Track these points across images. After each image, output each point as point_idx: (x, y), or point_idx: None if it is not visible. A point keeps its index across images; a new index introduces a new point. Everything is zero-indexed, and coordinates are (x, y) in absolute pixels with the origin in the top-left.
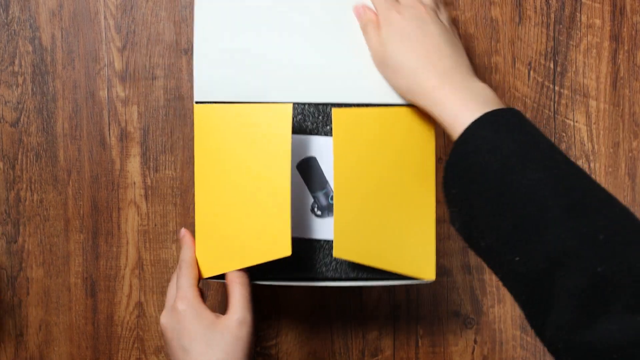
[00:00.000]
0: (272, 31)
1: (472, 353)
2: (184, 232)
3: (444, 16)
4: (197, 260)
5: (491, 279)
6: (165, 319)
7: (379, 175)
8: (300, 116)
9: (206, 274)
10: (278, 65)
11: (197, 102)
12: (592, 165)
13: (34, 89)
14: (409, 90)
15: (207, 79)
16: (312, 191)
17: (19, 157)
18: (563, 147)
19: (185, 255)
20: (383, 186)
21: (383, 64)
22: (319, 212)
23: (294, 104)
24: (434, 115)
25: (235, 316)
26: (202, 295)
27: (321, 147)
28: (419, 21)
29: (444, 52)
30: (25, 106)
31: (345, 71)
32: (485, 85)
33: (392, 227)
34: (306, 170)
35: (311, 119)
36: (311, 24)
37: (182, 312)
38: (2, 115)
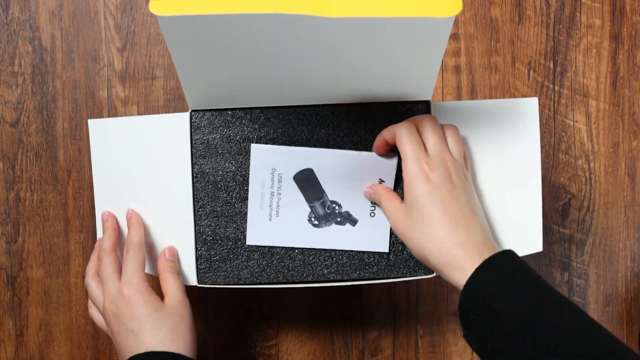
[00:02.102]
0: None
1: (472, 353)
2: (130, 212)
3: (469, 174)
4: (144, 243)
5: None
6: (111, 305)
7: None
8: (295, 120)
9: None
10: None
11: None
12: (592, 165)
13: (34, 89)
14: (431, 261)
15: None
16: (309, 201)
17: (19, 157)
18: (563, 146)
19: (133, 237)
20: None
21: (405, 233)
22: (315, 222)
23: (289, 107)
24: (444, 274)
25: (176, 298)
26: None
27: (318, 159)
28: (448, 186)
29: (470, 223)
30: (25, 106)
31: (339, 72)
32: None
33: None
34: (303, 182)
35: (306, 122)
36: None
37: (129, 298)
38: (2, 115)
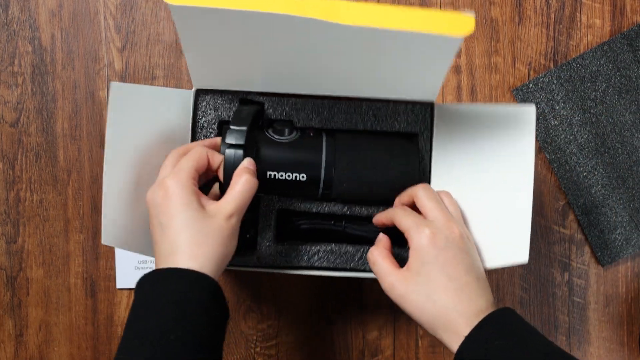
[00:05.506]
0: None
1: None
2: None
3: (469, 233)
4: (207, 153)
5: (490, 279)
6: (151, 193)
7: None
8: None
9: (106, 241)
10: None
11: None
12: None
13: (34, 89)
14: (430, 324)
15: (201, 70)
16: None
17: (19, 157)
18: None
19: (198, 143)
20: None
21: (406, 297)
22: None
23: (287, 95)
24: (444, 341)
25: (223, 210)
26: (202, 190)
27: None
28: (453, 249)
29: (473, 289)
30: (25, 106)
31: (345, 72)
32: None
33: None
34: None
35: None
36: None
37: (169, 189)
38: (2, 115)
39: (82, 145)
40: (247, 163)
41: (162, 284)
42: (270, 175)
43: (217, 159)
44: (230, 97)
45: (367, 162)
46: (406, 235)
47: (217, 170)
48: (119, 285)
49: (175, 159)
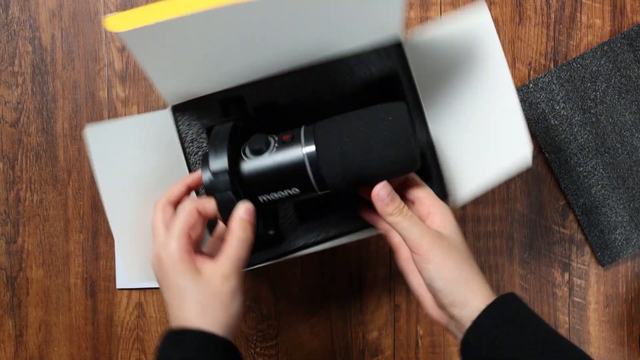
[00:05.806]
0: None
1: None
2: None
3: None
4: (196, 207)
5: (490, 279)
6: (152, 262)
7: None
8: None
9: (133, 279)
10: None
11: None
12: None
13: (34, 89)
14: (455, 286)
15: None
16: None
17: (19, 157)
18: None
19: (181, 184)
20: None
21: (444, 252)
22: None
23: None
24: (451, 307)
25: (220, 271)
26: (212, 236)
27: None
28: (466, 244)
29: (477, 267)
30: (25, 106)
31: (303, 31)
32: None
33: None
34: None
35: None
36: None
37: (162, 262)
38: (2, 115)
39: (82, 145)
40: (242, 212)
41: (176, 346)
42: (262, 199)
43: (209, 207)
44: (209, 102)
45: (354, 149)
46: (427, 197)
47: (215, 215)
48: (118, 285)
49: (161, 212)
